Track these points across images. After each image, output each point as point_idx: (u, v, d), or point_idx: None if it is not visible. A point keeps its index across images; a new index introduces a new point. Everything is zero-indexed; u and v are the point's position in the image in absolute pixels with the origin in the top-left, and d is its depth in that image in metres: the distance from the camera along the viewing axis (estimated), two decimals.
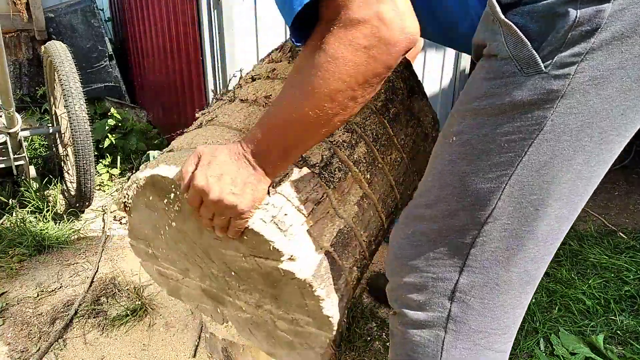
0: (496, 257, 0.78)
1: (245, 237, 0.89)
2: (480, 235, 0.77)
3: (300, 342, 1.07)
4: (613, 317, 1.69)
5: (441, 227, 0.80)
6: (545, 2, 0.70)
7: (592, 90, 0.70)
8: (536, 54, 0.70)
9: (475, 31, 0.81)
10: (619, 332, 1.64)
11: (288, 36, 2.36)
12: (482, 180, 0.76)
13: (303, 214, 0.93)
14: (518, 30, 0.71)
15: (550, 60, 0.70)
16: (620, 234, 2.23)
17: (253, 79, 1.19)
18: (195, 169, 0.82)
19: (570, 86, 0.69)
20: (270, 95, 1.11)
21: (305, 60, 0.75)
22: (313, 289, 0.91)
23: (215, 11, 2.17)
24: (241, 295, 1.07)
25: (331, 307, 0.93)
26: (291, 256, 0.89)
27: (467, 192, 0.77)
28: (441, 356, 0.83)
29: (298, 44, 0.77)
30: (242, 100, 1.12)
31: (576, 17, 0.68)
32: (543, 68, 0.70)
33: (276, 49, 1.31)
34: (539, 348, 1.57)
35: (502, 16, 0.73)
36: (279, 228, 0.89)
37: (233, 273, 1.02)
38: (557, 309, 1.73)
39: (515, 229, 0.76)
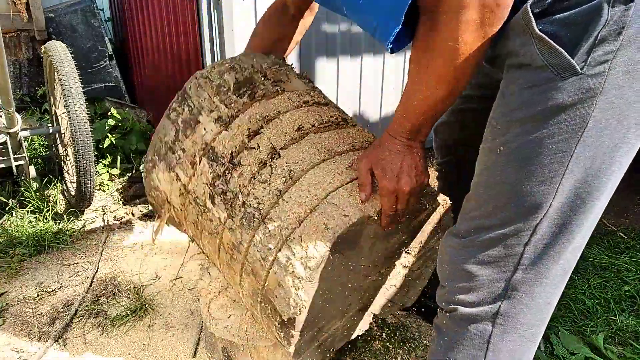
0: (548, 253, 0.83)
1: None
2: (535, 234, 0.82)
3: (427, 262, 1.38)
4: (613, 317, 1.69)
5: (497, 234, 0.85)
6: (578, 9, 0.74)
7: (625, 84, 0.74)
8: (571, 59, 0.74)
9: (502, 37, 0.84)
10: (619, 332, 1.64)
11: None
12: (535, 184, 0.80)
13: None
14: (552, 42, 0.75)
15: (585, 62, 0.74)
16: (620, 234, 2.23)
17: (256, 133, 1.20)
18: (373, 180, 1.00)
19: (606, 82, 0.74)
20: (301, 125, 1.19)
21: (427, 53, 0.83)
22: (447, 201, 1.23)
23: (215, 11, 2.17)
24: (390, 273, 1.29)
25: None
26: (440, 194, 1.21)
27: (522, 198, 0.81)
28: (487, 348, 0.88)
29: (390, 44, 0.84)
30: (283, 147, 1.16)
31: (607, 18, 0.72)
32: (579, 70, 0.74)
33: (198, 106, 1.30)
34: (539, 348, 1.57)
35: (537, 30, 0.76)
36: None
37: (389, 260, 1.26)
38: (557, 309, 1.73)
39: (567, 225, 0.82)
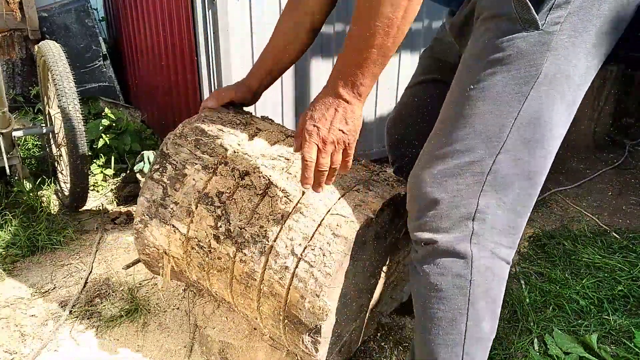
0: (506, 180, 0.96)
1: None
2: (495, 163, 0.96)
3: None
4: (606, 317, 1.70)
5: (464, 161, 0.97)
6: None
7: (570, 47, 0.92)
8: (536, 15, 0.92)
9: None
10: (612, 331, 1.65)
11: None
12: (496, 118, 0.94)
13: None
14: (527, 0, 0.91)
15: (544, 20, 0.92)
16: (614, 233, 2.24)
17: (246, 173, 1.27)
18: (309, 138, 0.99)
19: (555, 41, 0.92)
20: (285, 156, 1.29)
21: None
22: None
23: (210, 11, 2.17)
24: (389, 270, 1.37)
25: None
26: None
27: (484, 129, 0.95)
28: (472, 268, 0.99)
29: None
30: (276, 177, 1.24)
31: None
32: (540, 26, 0.92)
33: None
34: (533, 348, 1.58)
35: None
36: None
37: (387, 257, 1.33)
38: (551, 308, 1.74)
39: (521, 156, 0.96)
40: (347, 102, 0.97)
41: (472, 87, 0.96)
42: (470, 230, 0.98)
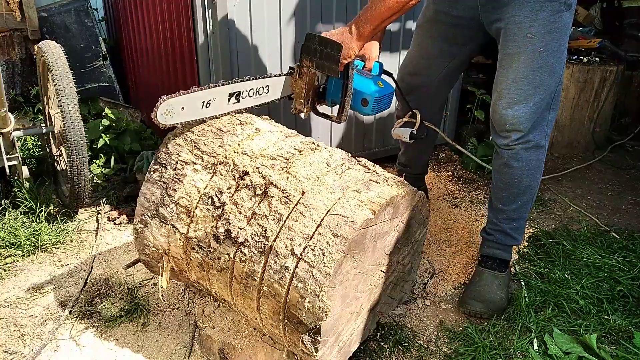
0: (556, 92, 1.64)
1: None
2: (557, 90, 1.63)
3: (415, 255, 1.57)
4: (606, 317, 1.70)
5: (544, 94, 1.60)
6: None
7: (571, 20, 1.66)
8: (572, 0, 1.55)
9: None
10: (612, 331, 1.65)
11: (282, 35, 2.36)
12: (558, 63, 1.58)
13: None
14: None
15: (571, 4, 1.55)
16: (613, 233, 2.24)
17: (246, 173, 1.29)
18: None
19: (570, 17, 1.58)
20: (285, 156, 1.32)
21: None
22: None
23: (210, 11, 2.17)
24: (389, 270, 1.43)
25: None
26: (417, 191, 1.41)
27: (553, 71, 1.58)
28: (545, 154, 1.72)
29: None
30: (275, 178, 1.26)
31: None
32: (571, 7, 1.55)
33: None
34: (533, 347, 1.58)
35: None
36: None
37: (387, 257, 1.39)
38: (550, 308, 1.74)
39: (561, 77, 1.64)
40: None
41: (541, 49, 1.54)
42: (545, 132, 1.67)
